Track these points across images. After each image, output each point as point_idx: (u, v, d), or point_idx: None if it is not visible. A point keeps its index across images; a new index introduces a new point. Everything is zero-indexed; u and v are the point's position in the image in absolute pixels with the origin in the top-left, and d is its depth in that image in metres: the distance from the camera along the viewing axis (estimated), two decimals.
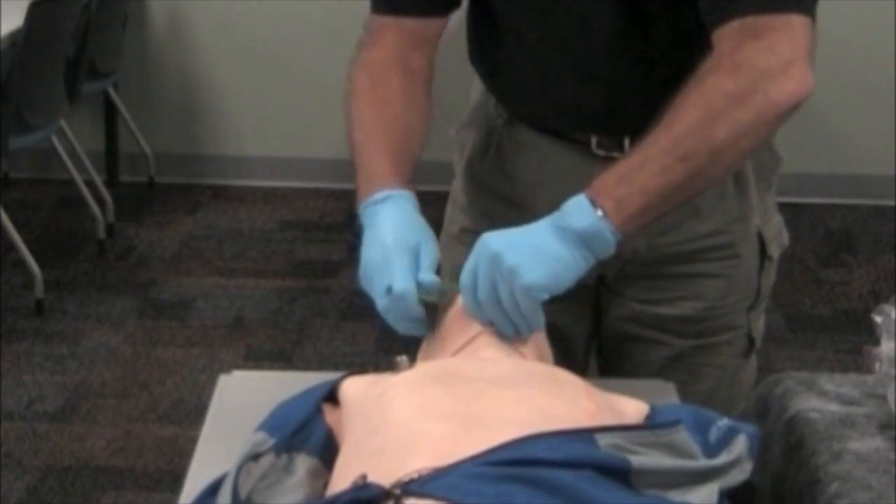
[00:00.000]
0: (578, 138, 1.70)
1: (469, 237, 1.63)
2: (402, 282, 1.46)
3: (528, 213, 1.51)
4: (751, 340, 1.81)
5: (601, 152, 1.69)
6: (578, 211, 1.41)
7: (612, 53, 1.63)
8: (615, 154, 1.65)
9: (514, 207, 1.73)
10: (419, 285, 1.47)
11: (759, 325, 1.82)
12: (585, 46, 1.63)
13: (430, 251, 1.51)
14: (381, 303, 1.48)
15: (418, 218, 1.54)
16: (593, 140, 1.69)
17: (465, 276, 1.43)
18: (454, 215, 1.86)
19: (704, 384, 1.78)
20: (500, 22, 1.69)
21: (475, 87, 1.84)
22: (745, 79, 1.40)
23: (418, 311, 1.46)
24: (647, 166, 1.41)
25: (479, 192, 1.82)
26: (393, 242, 1.50)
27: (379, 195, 1.55)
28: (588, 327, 1.85)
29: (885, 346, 1.51)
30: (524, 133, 1.75)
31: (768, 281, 1.82)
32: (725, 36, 1.44)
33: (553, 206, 1.44)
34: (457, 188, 1.86)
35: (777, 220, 1.84)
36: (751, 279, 1.79)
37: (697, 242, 1.73)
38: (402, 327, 1.48)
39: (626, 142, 1.65)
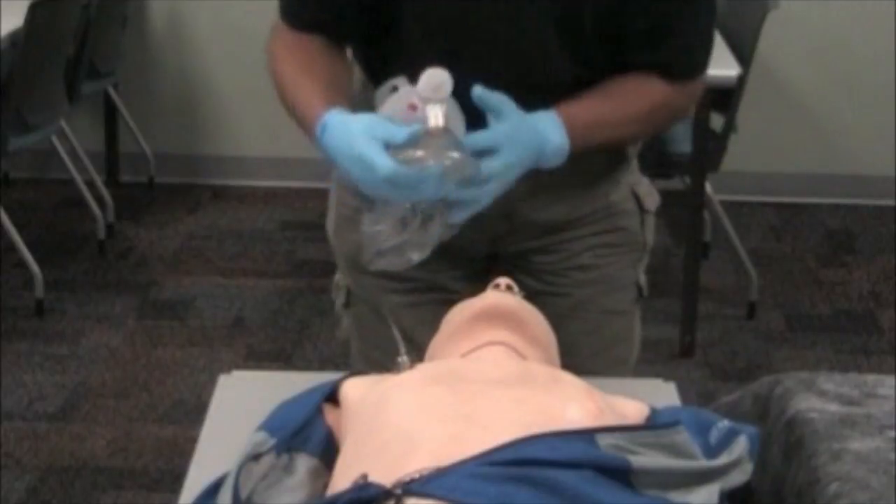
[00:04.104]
0: None
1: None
2: (385, 165, 1.49)
3: None
4: (639, 289, 1.95)
5: None
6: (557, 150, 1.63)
7: (524, 72, 1.71)
8: None
9: None
10: (392, 150, 1.51)
11: (643, 276, 1.97)
12: (502, 63, 1.71)
13: (374, 120, 1.55)
14: (382, 194, 1.52)
15: (353, 116, 1.58)
16: None
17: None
18: (343, 198, 1.90)
19: (605, 331, 1.91)
20: (409, 46, 1.74)
21: (354, 78, 1.88)
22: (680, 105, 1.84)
23: (420, 175, 1.49)
24: (604, 129, 1.72)
25: None
26: (356, 150, 1.53)
27: (318, 130, 1.60)
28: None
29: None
30: None
31: (650, 235, 1.97)
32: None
33: None
34: None
35: (646, 181, 1.98)
36: (636, 231, 1.92)
37: (581, 209, 1.86)
38: (424, 191, 1.51)
39: None
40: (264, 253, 4.48)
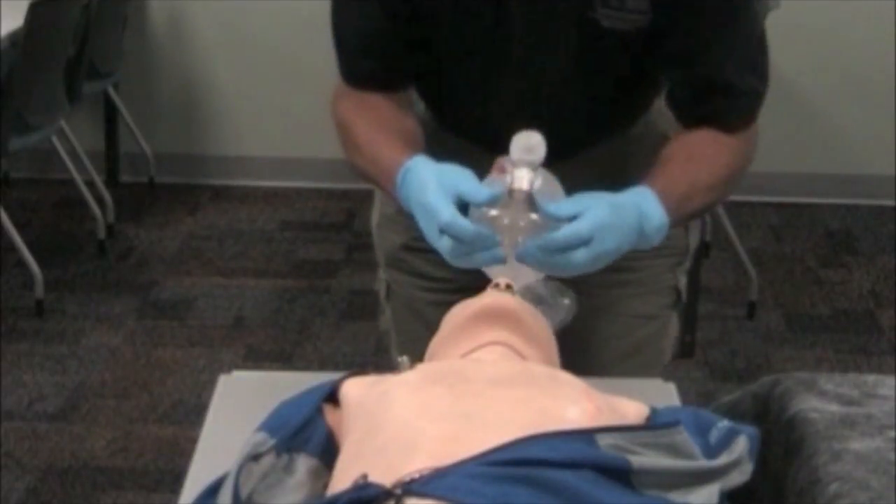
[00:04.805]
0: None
1: (404, 217, 1.75)
2: (445, 211, 1.48)
3: None
4: (678, 293, 1.93)
5: None
6: (659, 229, 1.59)
7: (554, 102, 1.74)
8: None
9: None
10: (466, 202, 1.49)
11: (683, 279, 1.95)
12: (533, 95, 1.73)
13: (456, 173, 1.53)
14: (442, 248, 1.51)
15: (436, 164, 1.57)
16: None
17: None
18: (385, 197, 1.90)
19: (636, 334, 1.89)
20: (446, 64, 1.77)
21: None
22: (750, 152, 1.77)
23: (477, 231, 1.47)
24: (696, 196, 1.67)
25: None
26: (429, 201, 1.52)
27: (398, 178, 1.59)
28: None
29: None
30: (453, 141, 1.81)
31: (694, 239, 1.96)
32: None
33: None
34: None
35: None
36: (678, 235, 1.90)
37: None
38: (480, 259, 1.51)
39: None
40: (264, 253, 4.48)
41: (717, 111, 1.70)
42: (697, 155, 1.68)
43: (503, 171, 1.53)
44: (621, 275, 1.83)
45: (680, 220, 1.65)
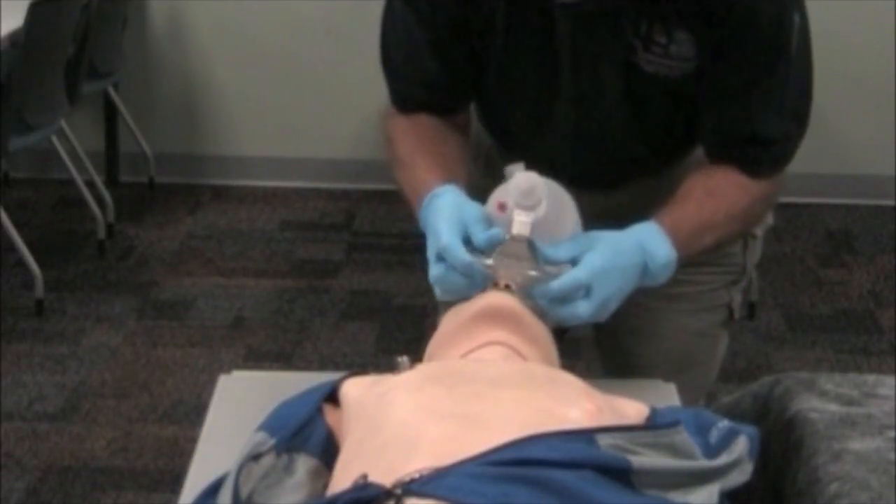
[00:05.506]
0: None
1: None
2: (447, 236, 1.49)
3: None
4: (730, 312, 1.91)
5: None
6: (666, 265, 1.58)
7: (606, 134, 1.74)
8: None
9: None
10: (473, 241, 1.50)
11: (738, 298, 1.93)
12: (584, 127, 1.74)
13: (472, 210, 1.54)
14: (433, 274, 1.51)
15: (460, 197, 1.58)
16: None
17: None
18: None
19: (687, 350, 1.88)
20: (498, 95, 1.78)
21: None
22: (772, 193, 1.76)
23: (470, 262, 1.48)
24: (707, 232, 1.65)
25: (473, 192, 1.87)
26: (438, 225, 1.53)
27: (424, 202, 1.60)
28: None
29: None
30: (510, 157, 1.80)
31: (753, 258, 1.92)
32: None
33: None
34: None
35: None
36: (735, 253, 1.88)
37: None
38: (464, 291, 1.50)
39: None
40: (264, 253, 4.48)
41: (746, 158, 1.68)
42: (716, 192, 1.66)
43: (503, 207, 1.52)
44: (673, 287, 1.79)
45: (691, 256, 1.63)
